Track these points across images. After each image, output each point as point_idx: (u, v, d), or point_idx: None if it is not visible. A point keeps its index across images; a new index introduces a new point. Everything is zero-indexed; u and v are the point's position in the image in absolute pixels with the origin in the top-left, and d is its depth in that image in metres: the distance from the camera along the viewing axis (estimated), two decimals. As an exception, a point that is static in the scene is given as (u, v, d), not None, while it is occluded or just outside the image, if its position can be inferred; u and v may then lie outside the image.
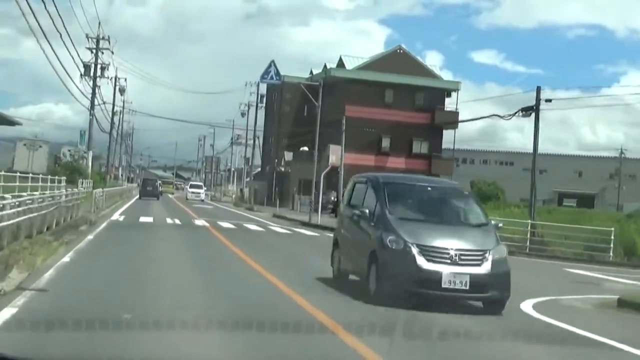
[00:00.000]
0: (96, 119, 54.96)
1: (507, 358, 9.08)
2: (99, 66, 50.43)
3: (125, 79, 75.54)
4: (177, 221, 33.48)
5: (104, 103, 54.06)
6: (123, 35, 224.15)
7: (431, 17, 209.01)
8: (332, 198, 63.80)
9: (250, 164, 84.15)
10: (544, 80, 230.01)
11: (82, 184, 44.02)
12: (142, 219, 32.84)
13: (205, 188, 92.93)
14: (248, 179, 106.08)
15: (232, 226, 32.65)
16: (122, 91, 75.79)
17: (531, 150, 31.81)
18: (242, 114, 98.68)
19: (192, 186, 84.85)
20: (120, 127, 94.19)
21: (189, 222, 33.84)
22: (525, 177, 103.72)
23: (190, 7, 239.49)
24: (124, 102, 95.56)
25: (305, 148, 63.16)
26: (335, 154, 32.77)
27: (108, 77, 51.33)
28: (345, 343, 8.73)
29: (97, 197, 35.71)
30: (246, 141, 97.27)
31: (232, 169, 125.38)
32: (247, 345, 8.50)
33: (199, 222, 34.35)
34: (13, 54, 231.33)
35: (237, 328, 9.15)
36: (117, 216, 34.11)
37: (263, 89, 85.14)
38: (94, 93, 50.20)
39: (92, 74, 50.12)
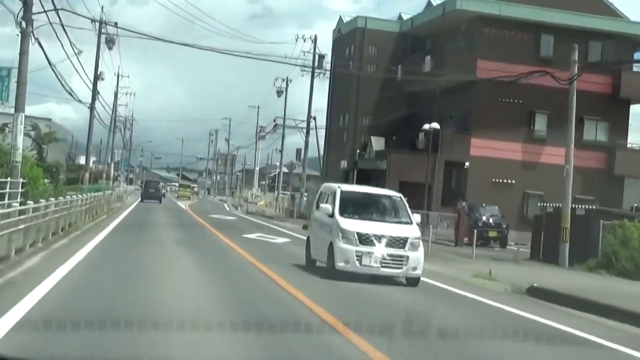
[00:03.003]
0: (56, 74, 28.24)
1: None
2: None
3: (116, 24, 48.18)
4: None
5: (58, 9, 26.81)
6: (123, 34, 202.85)
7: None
8: (486, 218, 35.79)
9: (303, 157, 56.72)
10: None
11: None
12: None
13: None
14: (267, 180, 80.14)
15: None
16: (110, 43, 48.54)
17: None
18: (278, 92, 72.15)
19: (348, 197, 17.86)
20: (114, 106, 67.57)
21: None
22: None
23: (192, 7, 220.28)
24: (119, 76, 69.35)
25: (436, 125, 35.63)
26: None
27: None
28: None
29: None
30: (284, 126, 71.40)
31: (257, 168, 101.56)
32: None
33: None
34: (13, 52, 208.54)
35: None
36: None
37: (325, 46, 57.51)
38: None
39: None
